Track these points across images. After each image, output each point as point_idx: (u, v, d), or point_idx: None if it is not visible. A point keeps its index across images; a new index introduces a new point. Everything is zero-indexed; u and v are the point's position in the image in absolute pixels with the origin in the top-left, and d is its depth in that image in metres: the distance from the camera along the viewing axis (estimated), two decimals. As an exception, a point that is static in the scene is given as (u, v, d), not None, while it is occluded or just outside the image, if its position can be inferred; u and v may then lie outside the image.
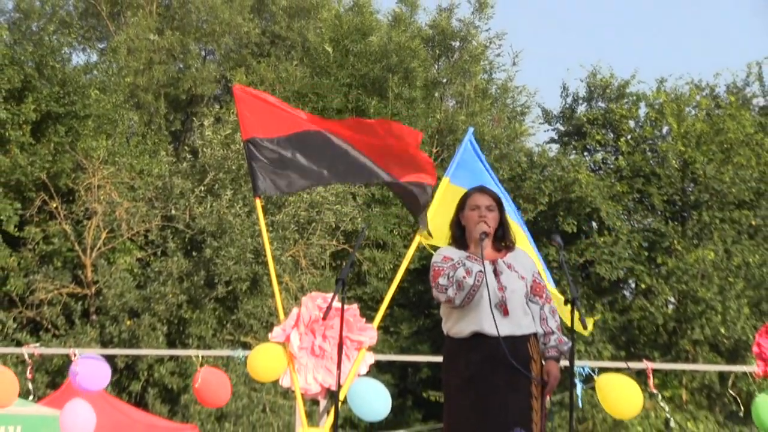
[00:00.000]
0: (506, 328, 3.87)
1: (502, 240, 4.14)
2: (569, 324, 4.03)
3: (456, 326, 3.99)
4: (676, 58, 45.14)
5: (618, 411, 6.20)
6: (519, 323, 3.91)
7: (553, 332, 4.00)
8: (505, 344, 3.82)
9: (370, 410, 6.12)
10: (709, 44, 45.78)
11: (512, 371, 3.84)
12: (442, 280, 3.93)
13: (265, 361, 6.01)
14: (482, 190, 4.19)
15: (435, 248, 6.45)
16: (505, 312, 3.89)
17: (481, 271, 3.89)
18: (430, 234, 6.32)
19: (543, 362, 3.97)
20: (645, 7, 46.29)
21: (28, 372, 6.97)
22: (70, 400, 7.31)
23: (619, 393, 6.02)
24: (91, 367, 6.32)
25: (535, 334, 3.98)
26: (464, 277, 3.88)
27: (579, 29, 46.20)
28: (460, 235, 4.12)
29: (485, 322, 3.88)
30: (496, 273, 3.98)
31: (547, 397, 4.02)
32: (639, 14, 48.04)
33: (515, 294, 3.94)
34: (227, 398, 6.81)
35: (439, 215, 6.25)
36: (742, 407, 16.42)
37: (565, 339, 4.01)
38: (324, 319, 5.83)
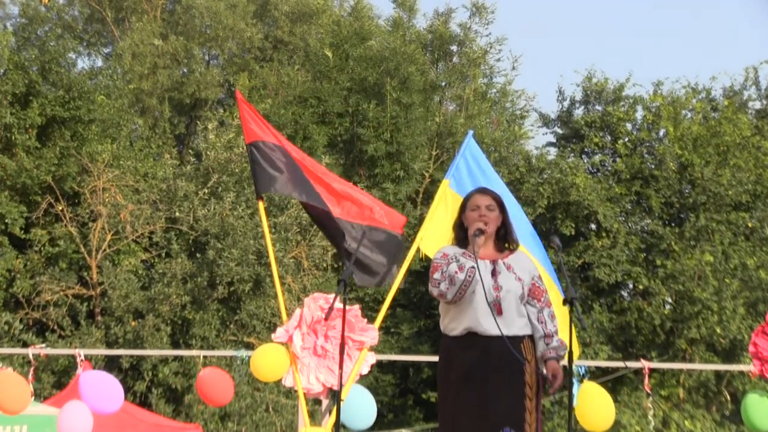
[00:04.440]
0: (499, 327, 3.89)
1: (504, 240, 4.13)
2: (567, 324, 4.12)
3: (451, 323, 4.01)
4: (672, 62, 45.23)
5: (590, 424, 5.94)
6: (512, 324, 3.92)
7: (553, 335, 4.00)
8: (499, 343, 3.84)
9: (358, 418, 6.28)
10: (705, 48, 45.87)
11: (505, 371, 3.87)
12: (436, 275, 3.97)
13: (268, 361, 6.08)
14: (482, 190, 4.20)
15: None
16: (499, 311, 3.89)
17: (473, 267, 3.89)
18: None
19: (544, 363, 3.96)
20: (643, 11, 46.40)
21: (30, 373, 7.10)
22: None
23: (593, 406, 5.86)
24: (102, 387, 6.43)
25: (530, 337, 3.99)
26: (456, 273, 3.89)
27: (577, 33, 46.31)
28: (463, 237, 4.10)
29: (479, 320, 3.90)
30: (494, 273, 3.98)
31: (548, 396, 4.13)
32: (636, 18, 48.12)
33: (510, 294, 3.94)
34: (230, 397, 6.98)
35: (436, 219, 6.24)
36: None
37: (565, 343, 4.03)
38: (326, 319, 6.01)
